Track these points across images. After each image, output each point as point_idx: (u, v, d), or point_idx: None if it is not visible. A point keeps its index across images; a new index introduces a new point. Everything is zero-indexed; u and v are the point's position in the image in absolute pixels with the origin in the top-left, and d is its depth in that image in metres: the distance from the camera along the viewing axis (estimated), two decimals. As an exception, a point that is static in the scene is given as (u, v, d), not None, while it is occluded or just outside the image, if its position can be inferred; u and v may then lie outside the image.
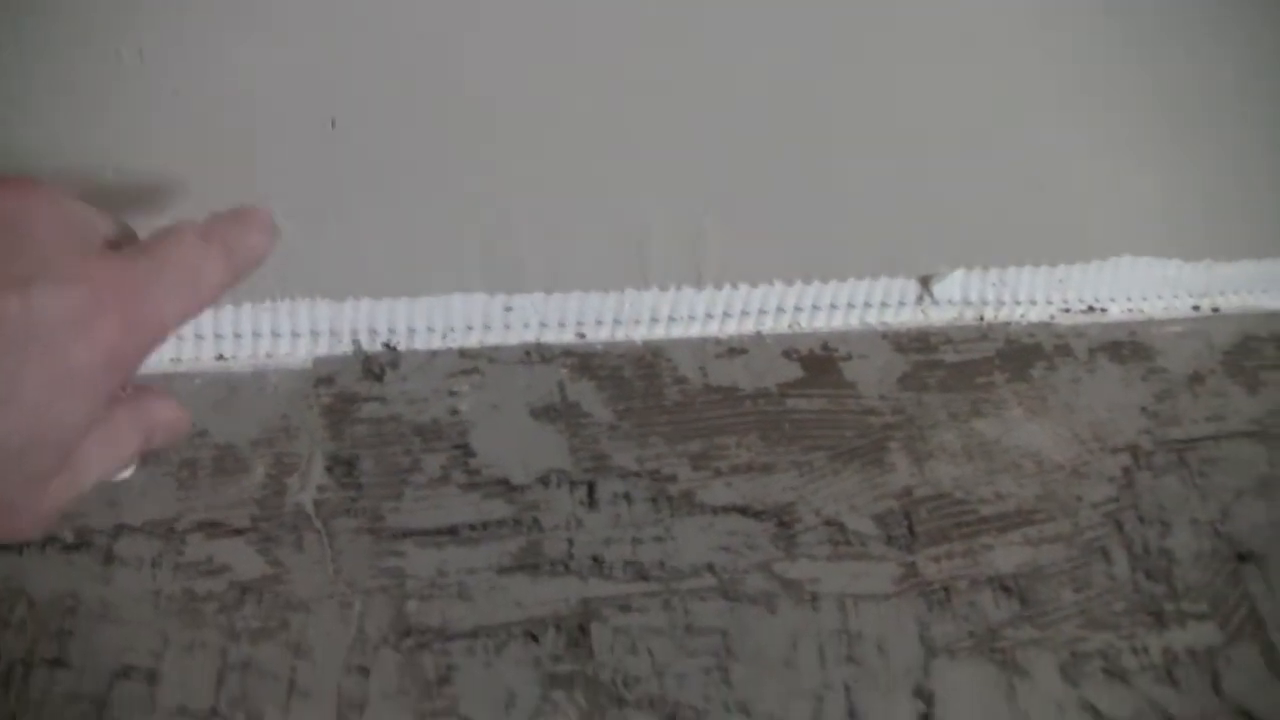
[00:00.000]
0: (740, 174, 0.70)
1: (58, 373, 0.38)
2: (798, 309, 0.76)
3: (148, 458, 0.55)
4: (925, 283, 0.76)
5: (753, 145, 0.68)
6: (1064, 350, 0.79)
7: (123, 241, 0.44)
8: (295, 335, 0.70)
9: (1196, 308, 0.84)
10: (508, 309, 0.71)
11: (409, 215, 0.67)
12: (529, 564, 0.64)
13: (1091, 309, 0.82)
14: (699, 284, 0.73)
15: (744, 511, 0.68)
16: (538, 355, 0.72)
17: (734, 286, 0.74)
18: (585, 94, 0.63)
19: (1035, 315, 0.81)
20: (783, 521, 0.68)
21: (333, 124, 0.61)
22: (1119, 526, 0.72)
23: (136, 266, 0.41)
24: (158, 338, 0.42)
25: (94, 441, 0.44)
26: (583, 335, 0.73)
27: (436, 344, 0.72)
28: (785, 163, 0.70)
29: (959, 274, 0.77)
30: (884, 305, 0.78)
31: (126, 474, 0.49)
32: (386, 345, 0.70)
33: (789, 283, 0.75)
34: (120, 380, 0.41)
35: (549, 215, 0.69)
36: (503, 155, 0.65)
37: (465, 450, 0.67)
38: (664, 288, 0.73)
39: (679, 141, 0.67)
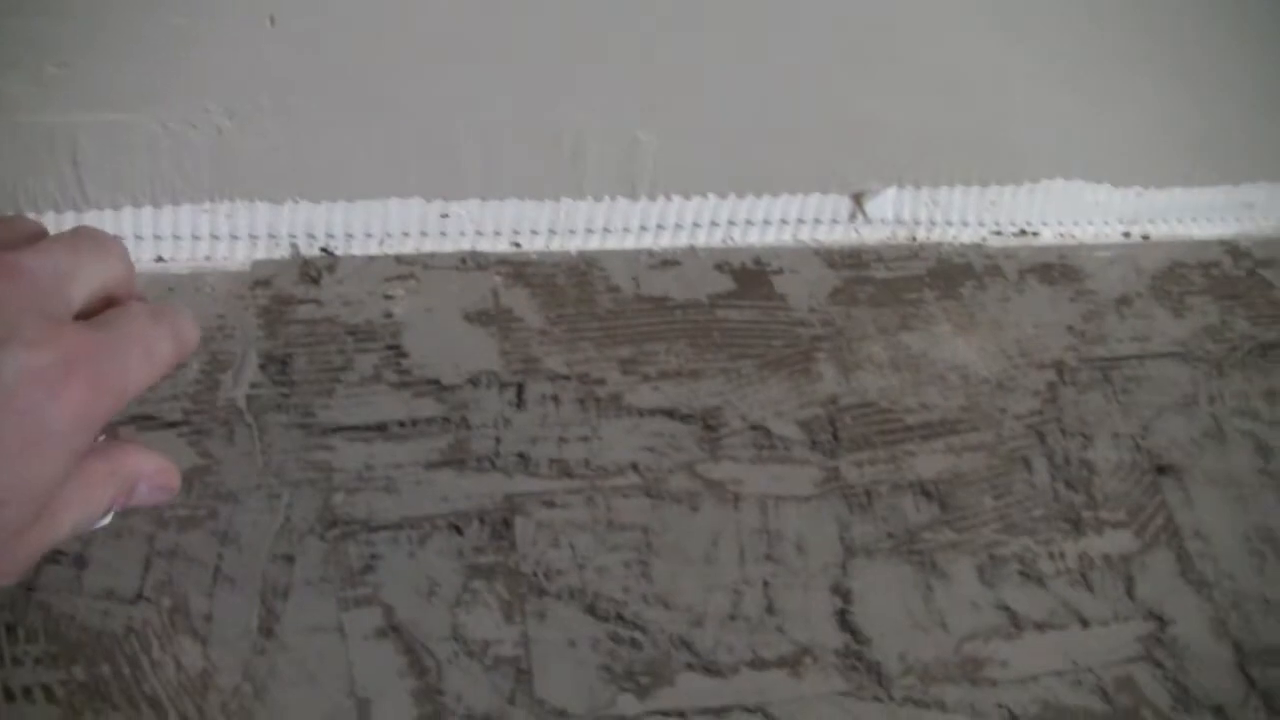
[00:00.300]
0: (675, 86, 0.71)
1: (31, 431, 0.40)
2: (731, 223, 0.77)
3: (135, 509, 0.57)
4: (858, 200, 0.78)
5: (688, 58, 0.70)
6: (994, 270, 0.80)
7: (89, 312, 0.47)
8: (234, 238, 0.71)
9: (1127, 234, 0.85)
10: (444, 215, 0.72)
11: (347, 118, 0.68)
12: (456, 460, 0.65)
13: (1023, 232, 0.83)
14: (633, 195, 0.74)
15: (671, 414, 0.69)
16: (473, 262, 0.73)
17: (668, 199, 0.75)
18: (524, 2, 0.64)
19: (967, 237, 0.82)
20: (708, 425, 0.69)
21: (271, 21, 0.61)
22: (1041, 438, 0.73)
23: (100, 336, 0.43)
24: (121, 401, 0.44)
25: (67, 494, 0.45)
26: (518, 244, 0.74)
27: (374, 250, 0.73)
28: (720, 76, 0.71)
29: (891, 192, 0.78)
30: (817, 222, 0.79)
31: (104, 522, 0.50)
32: (324, 250, 0.71)
33: (722, 196, 0.76)
34: (88, 438, 0.44)
35: (485, 123, 0.70)
36: (441, 61, 0.66)
37: (398, 351, 0.68)
38: (599, 198, 0.74)
39: (615, 52, 0.68)
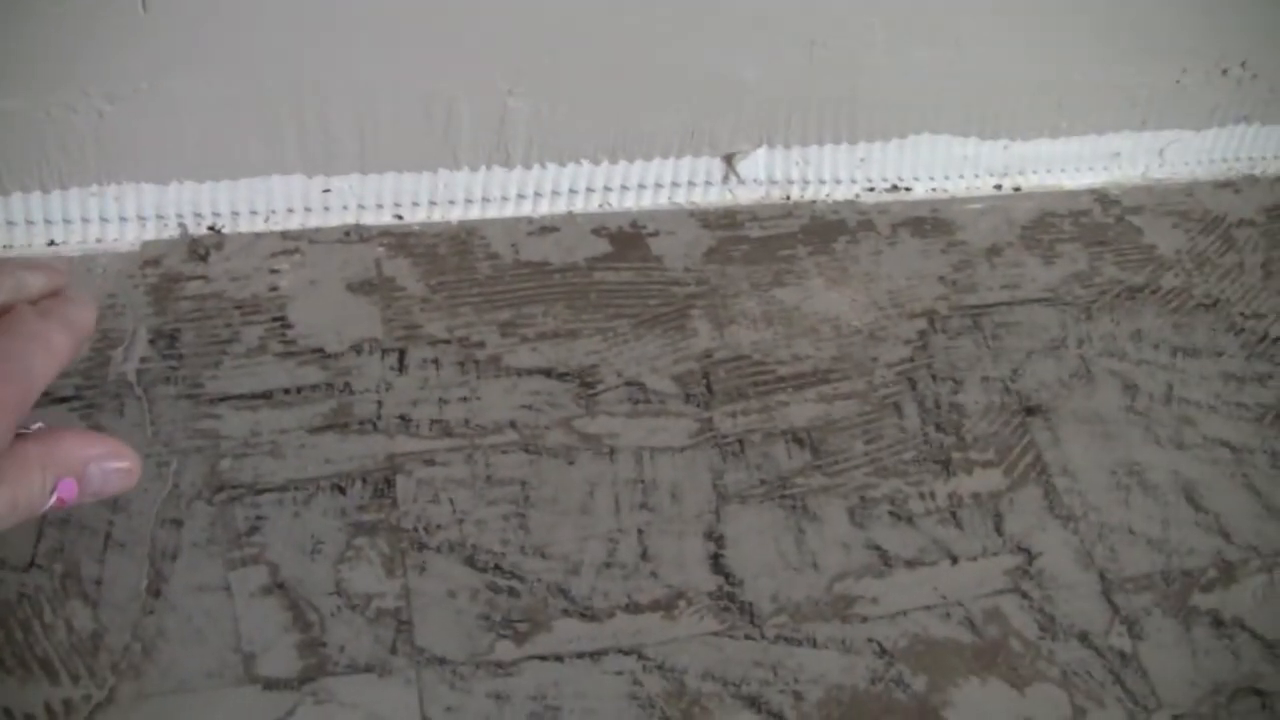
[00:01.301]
0: (540, 53, 0.73)
1: None
2: (607, 189, 0.79)
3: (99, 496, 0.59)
4: (729, 161, 0.80)
5: (553, 23, 0.72)
6: (867, 225, 0.83)
7: None
8: (123, 220, 0.72)
9: (999, 186, 0.88)
10: (326, 190, 0.74)
11: (225, 98, 0.70)
12: (339, 424, 0.67)
13: (896, 187, 0.85)
14: (508, 164, 0.76)
15: (548, 373, 0.71)
16: (356, 235, 0.75)
17: (543, 166, 0.77)
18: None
19: (841, 194, 0.84)
20: (585, 382, 0.71)
21: (143, 5, 0.63)
22: (912, 384, 0.75)
23: (2, 340, 0.48)
24: (30, 391, 0.49)
25: (2, 478, 0.49)
26: (400, 217, 0.76)
27: (260, 227, 0.75)
28: (585, 41, 0.73)
29: (761, 152, 0.80)
30: (691, 185, 0.81)
31: (50, 504, 0.52)
32: (212, 229, 0.74)
33: (596, 162, 0.78)
34: (7, 426, 0.48)
35: (357, 95, 0.72)
36: (311, 36, 0.68)
37: (283, 322, 0.70)
38: (475, 168, 0.76)
39: (480, 20, 0.70)
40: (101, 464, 0.54)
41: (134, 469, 0.56)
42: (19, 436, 0.52)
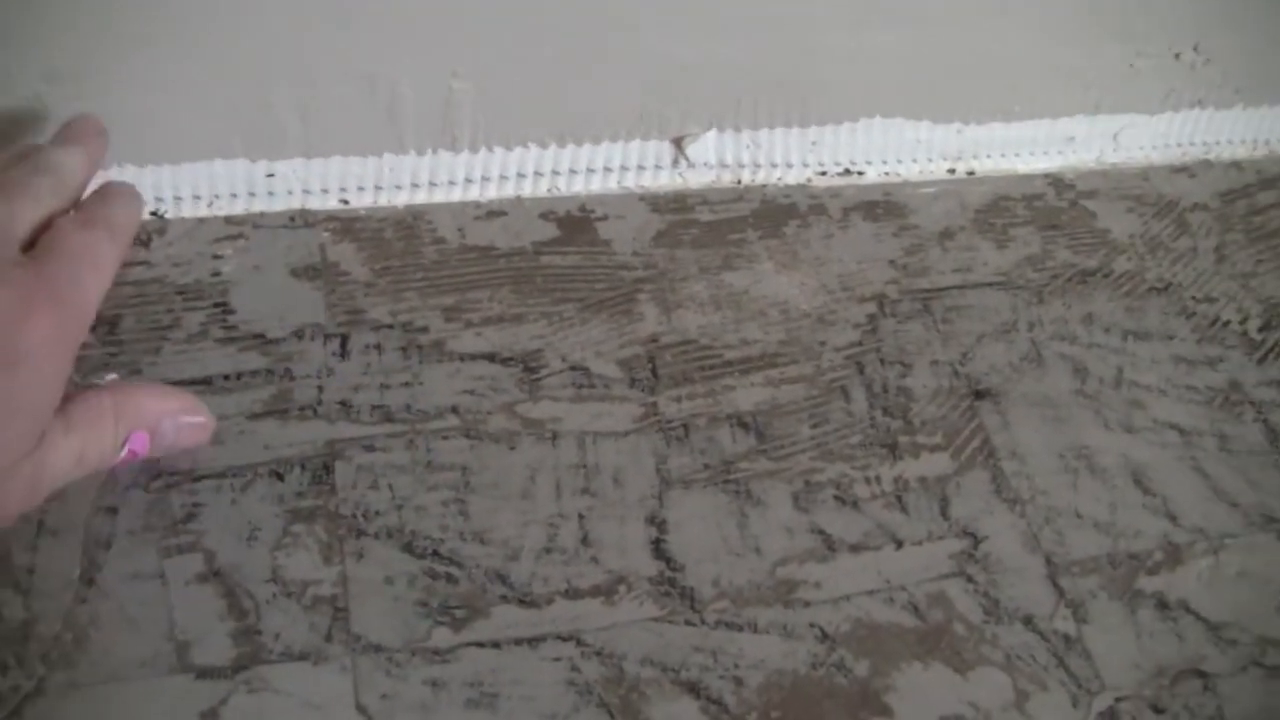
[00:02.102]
0: (485, 35, 0.73)
1: (9, 354, 0.44)
2: (555, 173, 0.78)
3: (173, 456, 0.63)
4: (679, 144, 0.79)
5: (497, 5, 0.71)
6: (819, 209, 0.83)
7: (31, 240, 0.49)
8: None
9: (952, 170, 0.87)
10: (270, 175, 0.74)
11: (165, 80, 0.69)
12: (279, 410, 0.67)
13: (848, 171, 0.85)
14: (455, 147, 0.76)
15: (492, 358, 0.71)
16: (302, 220, 0.74)
17: (490, 150, 0.77)
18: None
19: (793, 178, 0.84)
20: (529, 367, 0.71)
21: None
22: (860, 368, 0.75)
23: (48, 265, 0.47)
24: (86, 313, 0.50)
25: (69, 420, 0.50)
26: (346, 201, 0.76)
27: (204, 212, 0.74)
28: (531, 23, 0.73)
29: (711, 135, 0.80)
30: (641, 168, 0.80)
31: (122, 455, 0.56)
32: (155, 214, 0.73)
33: (544, 146, 0.77)
34: (66, 357, 0.48)
35: (301, 79, 0.72)
36: (252, 17, 0.68)
37: (225, 308, 0.70)
38: (421, 152, 0.75)
39: (423, 1, 0.70)
40: (176, 418, 0.57)
41: (209, 424, 0.59)
42: (91, 387, 0.53)
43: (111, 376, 0.55)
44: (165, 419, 0.52)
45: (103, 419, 0.51)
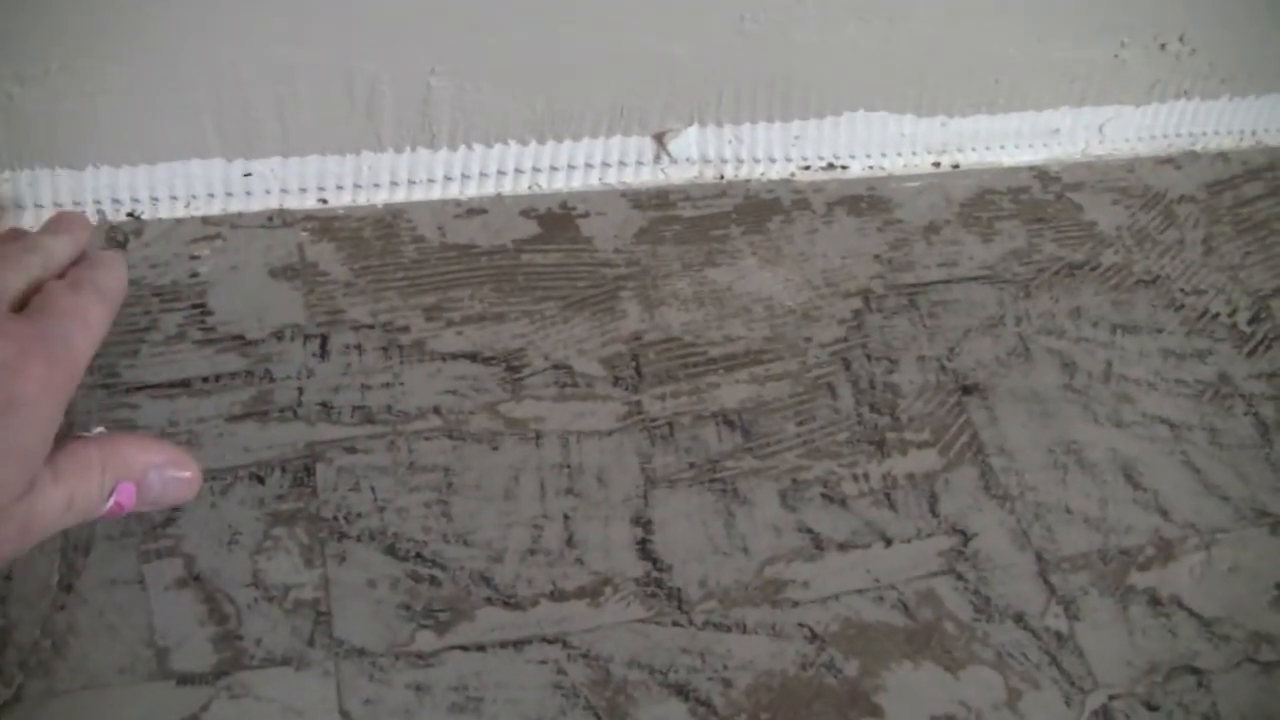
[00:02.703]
0: (463, 30, 0.72)
1: (6, 402, 0.45)
2: (536, 170, 0.78)
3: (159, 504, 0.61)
4: (660, 140, 0.78)
5: (474, 1, 0.71)
6: (802, 204, 0.82)
7: (19, 303, 0.51)
8: (38, 206, 0.71)
9: (937, 164, 0.87)
10: (247, 174, 0.73)
11: (140, 79, 0.69)
12: (258, 411, 0.66)
13: (832, 166, 0.84)
14: (433, 145, 0.75)
15: (473, 358, 0.70)
16: (280, 220, 0.73)
17: (470, 147, 0.76)
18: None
19: (776, 173, 0.83)
20: (511, 366, 0.70)
21: (52, -14, 0.59)
22: (846, 364, 0.74)
23: (40, 323, 0.49)
24: (77, 369, 0.51)
25: (58, 470, 0.51)
26: (325, 200, 0.75)
27: (180, 212, 0.73)
28: (509, 18, 0.72)
29: (692, 131, 0.79)
30: (623, 165, 0.80)
31: (107, 507, 0.56)
32: (131, 215, 0.72)
33: (524, 142, 0.76)
34: (57, 407, 0.49)
35: (277, 77, 0.71)
36: (227, 15, 0.67)
37: (203, 309, 0.69)
38: (399, 150, 0.75)
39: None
40: (162, 471, 0.57)
41: (195, 480, 0.59)
42: (79, 438, 0.54)
43: (99, 430, 0.55)
44: (151, 471, 0.54)
45: (90, 469, 0.52)
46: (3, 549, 0.50)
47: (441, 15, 0.70)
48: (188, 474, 0.59)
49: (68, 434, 0.54)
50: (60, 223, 0.59)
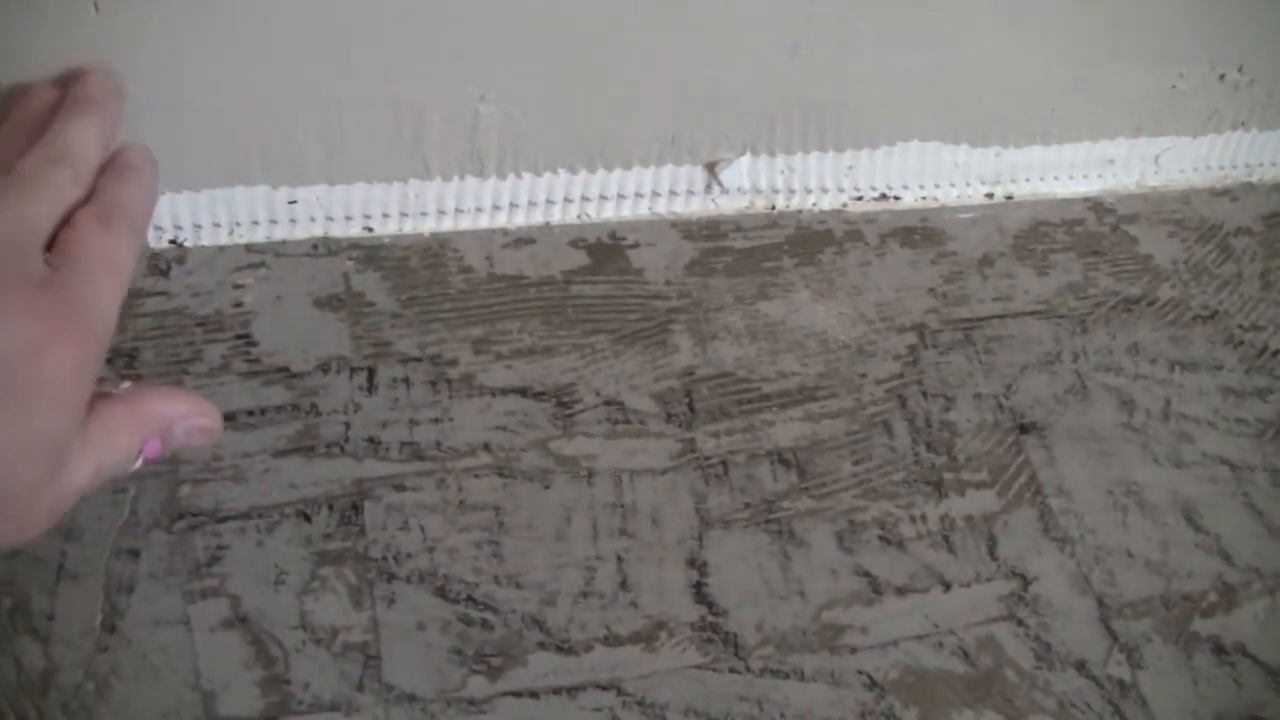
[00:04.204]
0: (513, 58, 0.70)
1: (27, 389, 0.43)
2: (586, 199, 0.76)
3: (183, 454, 0.61)
4: (712, 170, 0.77)
5: (524, 26, 0.69)
6: (855, 236, 0.80)
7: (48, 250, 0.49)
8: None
9: (990, 195, 0.85)
10: (292, 202, 0.71)
11: (184, 105, 0.67)
12: (305, 447, 0.64)
13: (884, 196, 0.82)
14: (482, 173, 0.73)
15: (523, 393, 0.68)
16: (324, 248, 0.72)
17: (518, 176, 0.74)
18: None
19: (828, 203, 0.82)
20: (562, 401, 0.68)
21: (95, 7, 0.60)
22: (902, 401, 0.72)
23: (67, 283, 0.46)
24: (107, 332, 0.48)
25: (87, 440, 0.48)
26: (370, 229, 0.73)
27: (224, 240, 0.72)
28: (560, 45, 0.70)
29: (744, 160, 0.77)
30: (673, 194, 0.78)
31: (137, 465, 0.53)
32: (174, 242, 0.71)
33: (574, 171, 0.75)
34: (86, 384, 0.46)
35: (323, 104, 0.70)
36: (271, 42, 0.65)
37: (247, 340, 0.67)
38: (447, 178, 0.73)
39: (449, 24, 0.67)
40: (186, 421, 0.54)
41: (216, 426, 0.56)
42: (106, 398, 0.51)
43: (126, 385, 0.53)
44: (176, 423, 0.51)
45: (119, 434, 0.49)
46: (34, 525, 0.48)
47: (490, 42, 0.68)
48: (208, 420, 0.57)
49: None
50: (85, 90, 0.54)
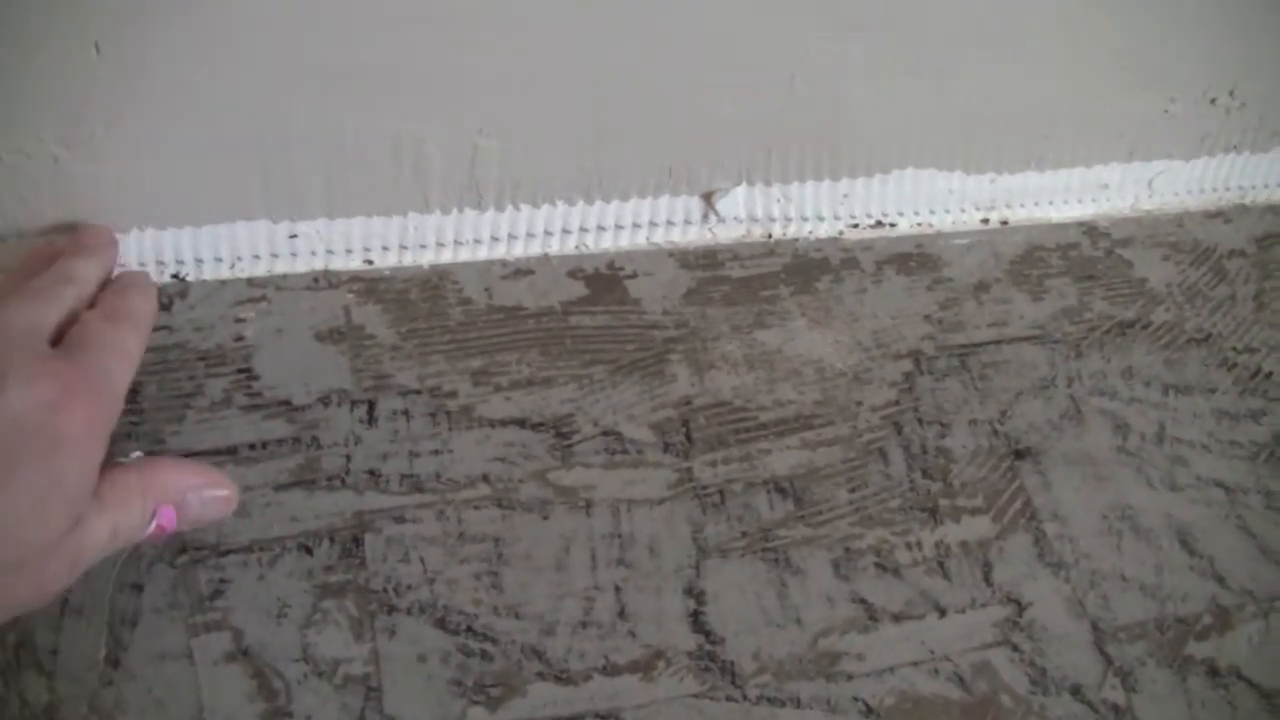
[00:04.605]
0: (511, 92, 0.71)
1: (48, 442, 0.47)
2: (584, 230, 0.77)
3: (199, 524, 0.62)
4: (708, 199, 0.78)
5: (522, 62, 0.70)
6: (851, 263, 0.81)
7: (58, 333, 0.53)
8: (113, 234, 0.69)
9: (985, 220, 0.86)
10: (293, 236, 0.72)
11: (184, 142, 0.68)
12: (306, 480, 0.65)
13: (880, 223, 0.83)
14: (480, 205, 0.74)
15: (522, 424, 0.69)
16: (325, 281, 0.73)
17: (516, 207, 0.75)
18: (352, 13, 0.64)
19: (824, 231, 0.82)
20: (560, 432, 0.69)
21: (97, 48, 0.61)
22: (898, 429, 0.73)
23: (80, 357, 0.51)
24: (118, 402, 0.54)
25: (102, 501, 0.51)
26: (370, 261, 0.74)
27: (225, 274, 0.73)
28: (554, 79, 0.71)
29: (740, 190, 0.78)
30: (670, 224, 0.79)
31: (149, 531, 0.57)
32: (176, 276, 0.71)
33: (571, 203, 0.76)
34: (100, 445, 0.51)
35: (323, 139, 0.70)
36: (272, 78, 0.66)
37: (248, 374, 0.68)
38: (446, 210, 0.74)
39: (447, 59, 0.68)
40: (200, 492, 0.58)
41: (232, 498, 0.60)
42: (118, 465, 0.55)
43: (137, 454, 0.54)
44: (190, 493, 0.58)
45: (131, 496, 0.53)
46: (53, 584, 0.51)
47: (489, 76, 0.69)
48: (225, 492, 0.61)
49: (106, 460, 0.54)
50: (87, 239, 0.62)
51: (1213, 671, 0.67)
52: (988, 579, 0.68)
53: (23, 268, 0.58)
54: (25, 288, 0.53)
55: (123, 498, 0.52)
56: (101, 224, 0.68)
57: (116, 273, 0.63)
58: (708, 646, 0.63)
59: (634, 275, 0.77)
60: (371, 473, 0.65)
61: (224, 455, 0.65)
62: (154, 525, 0.54)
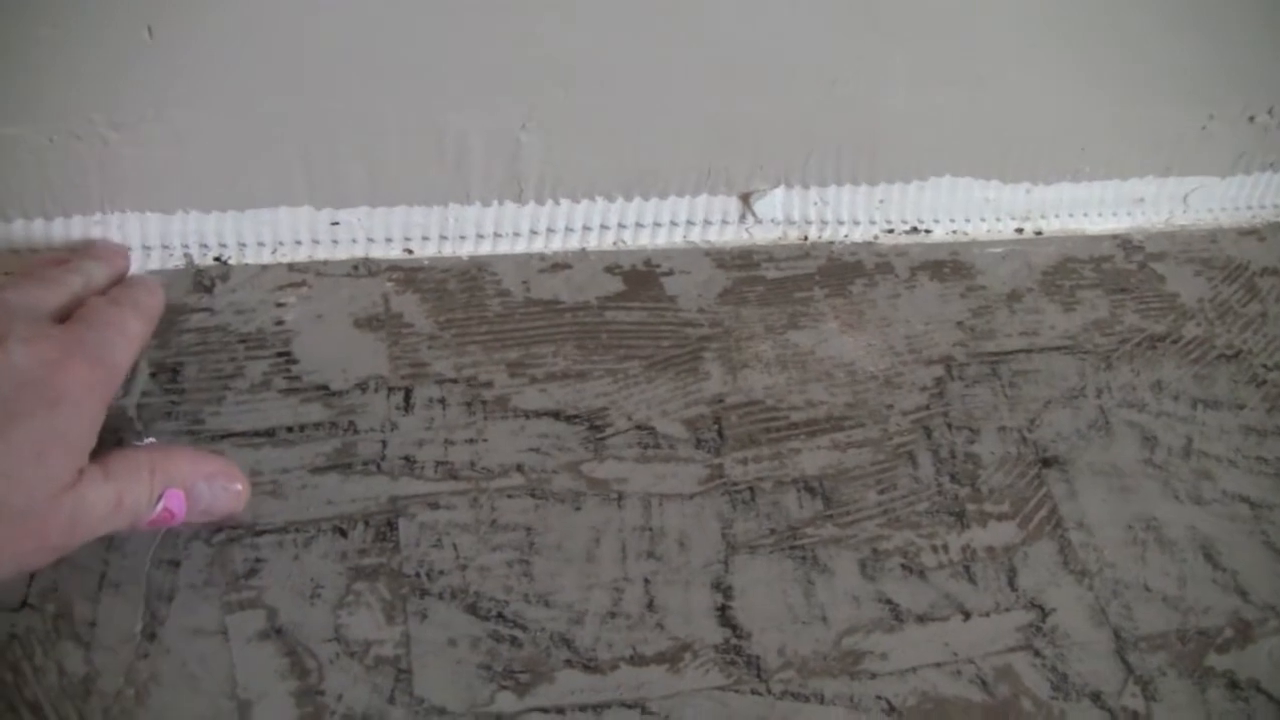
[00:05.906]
0: (555, 88, 0.72)
1: (47, 395, 0.49)
2: (622, 226, 0.77)
3: (212, 515, 0.62)
4: (746, 200, 0.78)
5: (567, 59, 0.71)
6: (885, 268, 0.81)
7: (62, 316, 0.55)
8: (128, 249, 0.70)
9: (1020, 230, 0.86)
10: (334, 223, 0.73)
11: (231, 127, 0.69)
12: (342, 464, 0.66)
13: (915, 229, 0.83)
14: (520, 199, 0.75)
15: (556, 416, 0.70)
16: (365, 269, 0.73)
17: (556, 202, 0.76)
18: (401, 2, 0.65)
19: (859, 235, 0.83)
20: (594, 425, 0.69)
21: (149, 32, 0.62)
22: (927, 433, 0.74)
23: (81, 329, 0.53)
24: (116, 374, 0.54)
25: (109, 469, 0.52)
26: (410, 251, 0.75)
27: (267, 258, 0.73)
28: (600, 76, 0.72)
29: (779, 192, 0.79)
30: (708, 223, 0.79)
31: (157, 511, 0.57)
32: (218, 259, 0.72)
33: (611, 199, 0.76)
34: (99, 406, 0.52)
35: (368, 129, 0.71)
36: (320, 66, 0.67)
37: (288, 358, 0.69)
38: (486, 202, 0.75)
39: (493, 54, 0.69)
40: (211, 482, 0.59)
41: (244, 492, 0.61)
42: (130, 446, 0.56)
43: (150, 440, 0.55)
44: (201, 481, 0.56)
45: (139, 470, 0.54)
46: (52, 539, 0.50)
47: (534, 72, 0.70)
48: (237, 486, 0.62)
49: (118, 446, 0.56)
50: (98, 249, 0.64)
51: (1232, 684, 0.68)
52: (1012, 584, 0.69)
53: (33, 268, 0.59)
54: (30, 273, 0.56)
55: (130, 470, 0.53)
56: (115, 241, 0.70)
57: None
58: (734, 640, 0.64)
59: (670, 273, 0.77)
60: (407, 459, 0.66)
61: (261, 437, 0.66)
62: (161, 506, 0.56)
